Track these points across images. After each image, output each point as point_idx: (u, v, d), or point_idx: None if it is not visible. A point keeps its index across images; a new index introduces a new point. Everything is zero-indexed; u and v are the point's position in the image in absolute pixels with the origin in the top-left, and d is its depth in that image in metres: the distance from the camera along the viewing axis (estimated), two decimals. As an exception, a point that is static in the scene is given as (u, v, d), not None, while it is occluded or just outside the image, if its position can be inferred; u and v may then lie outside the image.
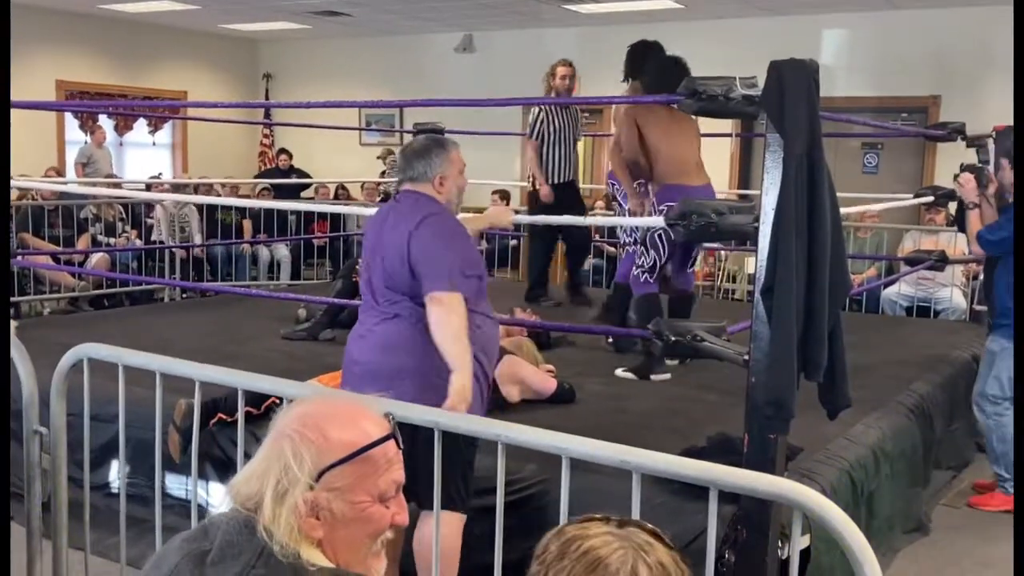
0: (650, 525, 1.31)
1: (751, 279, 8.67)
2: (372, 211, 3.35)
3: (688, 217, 2.82)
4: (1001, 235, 4.22)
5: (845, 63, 9.08)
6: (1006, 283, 4.20)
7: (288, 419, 1.44)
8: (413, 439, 1.93)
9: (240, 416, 2.51)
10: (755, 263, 2.69)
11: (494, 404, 3.81)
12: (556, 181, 6.11)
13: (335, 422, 1.44)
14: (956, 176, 4.75)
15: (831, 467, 3.19)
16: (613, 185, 5.37)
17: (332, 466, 1.39)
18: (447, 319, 2.66)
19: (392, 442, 1.46)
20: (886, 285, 7.49)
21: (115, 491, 3.60)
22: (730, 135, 8.11)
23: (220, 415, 3.49)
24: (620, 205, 5.25)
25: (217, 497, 3.45)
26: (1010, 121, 6.17)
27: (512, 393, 3.85)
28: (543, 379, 4.00)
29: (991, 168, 4.94)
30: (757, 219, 2.64)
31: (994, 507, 4.32)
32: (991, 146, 5.06)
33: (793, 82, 2.58)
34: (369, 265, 2.91)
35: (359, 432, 1.44)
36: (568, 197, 6.10)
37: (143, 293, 7.85)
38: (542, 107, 6.28)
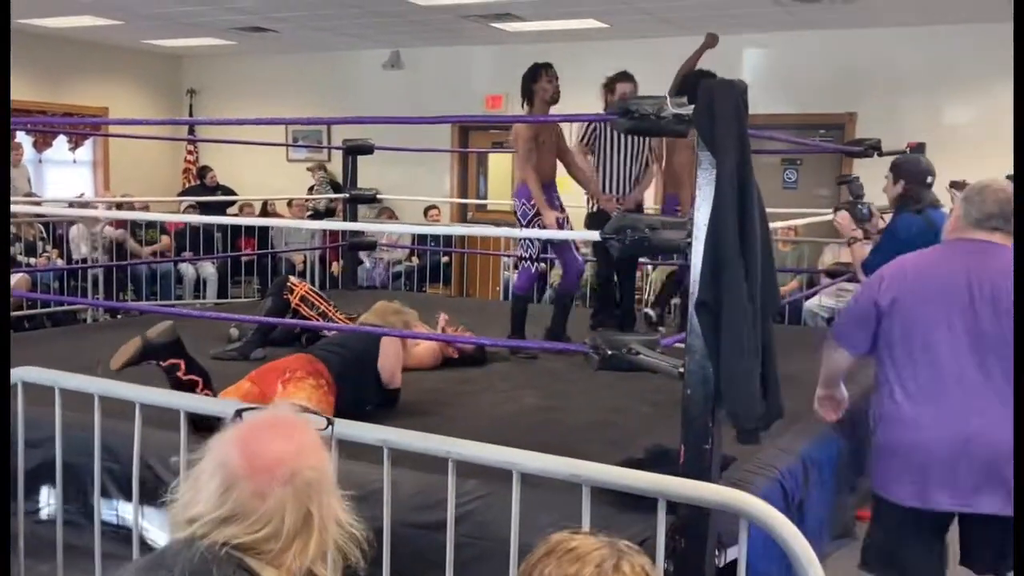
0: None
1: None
2: (308, 225, 3.38)
3: (622, 232, 2.89)
4: (877, 261, 4.16)
5: (764, 81, 9.32)
6: None
7: (279, 456, 1.48)
8: None
9: (183, 436, 2.48)
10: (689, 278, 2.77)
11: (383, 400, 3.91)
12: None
13: (300, 438, 1.53)
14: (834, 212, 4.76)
15: (763, 476, 3.27)
16: (525, 202, 5.25)
17: None
18: None
19: None
20: (807, 297, 7.70)
21: (45, 518, 3.51)
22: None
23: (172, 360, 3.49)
24: (520, 223, 5.30)
25: (152, 522, 3.40)
26: (923, 138, 6.45)
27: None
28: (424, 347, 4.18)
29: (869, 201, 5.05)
30: (690, 235, 2.72)
31: None
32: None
33: (723, 102, 2.66)
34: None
35: (312, 433, 1.56)
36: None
37: (65, 314, 7.67)
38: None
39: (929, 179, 4.27)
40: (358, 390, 3.83)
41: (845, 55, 9.23)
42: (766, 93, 9.36)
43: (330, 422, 1.61)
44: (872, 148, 5.94)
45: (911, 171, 4.28)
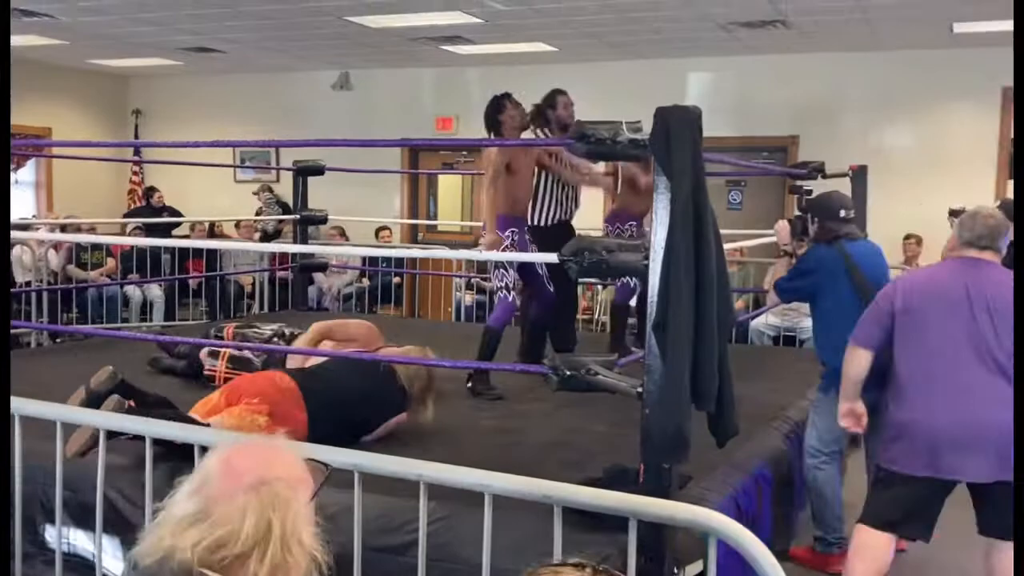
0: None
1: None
2: (258, 247, 3.37)
3: (580, 254, 2.94)
4: (792, 284, 4.35)
5: (709, 104, 9.42)
6: (820, 332, 4.30)
7: (254, 465, 1.50)
8: None
9: (148, 462, 2.46)
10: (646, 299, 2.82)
11: None
12: (546, 223, 5.39)
13: (292, 457, 1.57)
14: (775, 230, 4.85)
15: (718, 494, 3.33)
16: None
17: (315, 493, 1.55)
18: None
19: None
20: (753, 317, 7.83)
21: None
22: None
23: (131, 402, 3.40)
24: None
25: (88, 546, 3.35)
26: (863, 160, 6.62)
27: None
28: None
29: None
30: (647, 257, 2.77)
31: (802, 560, 4.22)
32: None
33: (678, 127, 2.74)
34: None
35: (308, 470, 1.58)
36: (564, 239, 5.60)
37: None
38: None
39: (842, 213, 4.32)
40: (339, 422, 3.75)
41: (788, 80, 9.45)
42: (711, 116, 9.37)
43: (327, 467, 1.62)
44: (816, 171, 6.10)
45: (821, 209, 4.37)
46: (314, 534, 1.52)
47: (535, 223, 5.36)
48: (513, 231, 5.06)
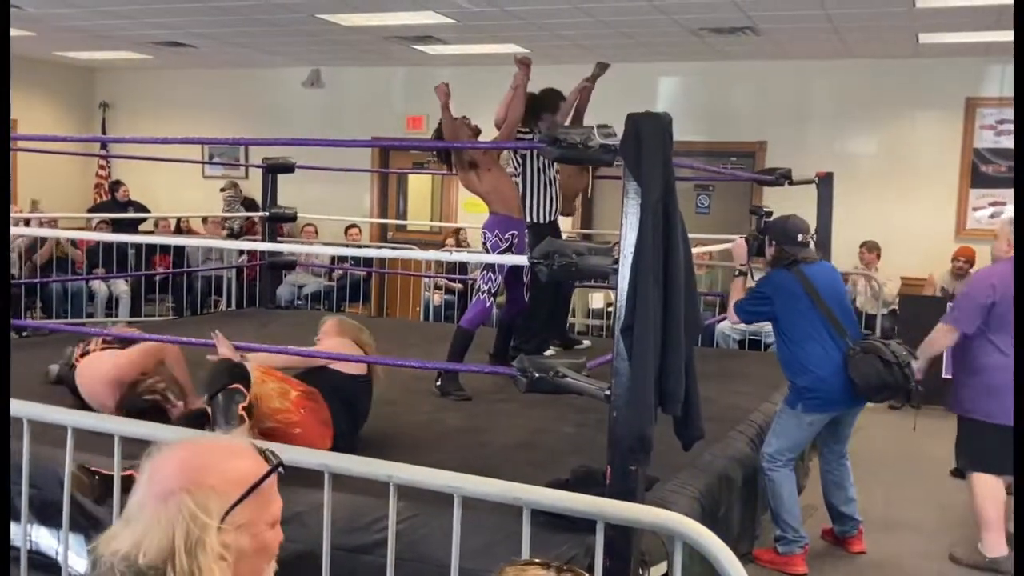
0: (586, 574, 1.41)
1: (591, 314, 9.08)
2: (221, 244, 3.32)
3: (551, 257, 2.97)
4: (754, 308, 4.45)
5: (679, 109, 9.56)
6: (784, 352, 4.40)
7: (170, 473, 1.44)
8: None
9: (116, 459, 2.45)
10: (602, 299, 2.85)
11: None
12: (540, 220, 5.37)
13: (220, 462, 1.47)
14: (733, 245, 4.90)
15: (683, 496, 3.37)
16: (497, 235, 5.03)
17: (236, 504, 1.42)
18: None
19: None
20: (719, 320, 7.90)
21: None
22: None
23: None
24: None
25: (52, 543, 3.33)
26: (829, 167, 6.72)
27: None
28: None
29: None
30: (616, 261, 2.80)
31: (765, 562, 4.37)
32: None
33: (649, 133, 2.77)
34: None
35: (246, 467, 1.48)
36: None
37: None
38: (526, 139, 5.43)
39: (800, 237, 4.44)
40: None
41: (757, 86, 9.55)
42: (680, 121, 9.41)
43: (280, 465, 1.51)
44: (783, 177, 6.19)
45: (779, 233, 4.48)
46: (230, 549, 1.42)
47: (535, 220, 5.31)
48: (513, 234, 4.98)
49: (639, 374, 2.68)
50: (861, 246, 8.66)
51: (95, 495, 3.18)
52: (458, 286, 9.11)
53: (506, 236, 4.95)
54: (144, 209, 10.33)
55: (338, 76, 11.12)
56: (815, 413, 4.31)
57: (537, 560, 1.40)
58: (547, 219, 5.37)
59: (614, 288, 2.82)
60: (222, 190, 10.57)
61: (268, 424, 3.40)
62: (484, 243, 5.06)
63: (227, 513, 1.41)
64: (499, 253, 4.90)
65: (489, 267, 4.97)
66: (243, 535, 1.43)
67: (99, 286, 8.70)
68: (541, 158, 5.27)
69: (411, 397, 4.67)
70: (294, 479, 2.61)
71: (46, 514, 3.27)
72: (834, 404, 4.34)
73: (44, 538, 3.43)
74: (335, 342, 3.89)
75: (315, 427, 3.54)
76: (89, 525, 3.15)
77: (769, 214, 5.51)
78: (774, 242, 4.49)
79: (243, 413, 3.25)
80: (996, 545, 4.48)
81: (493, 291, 4.97)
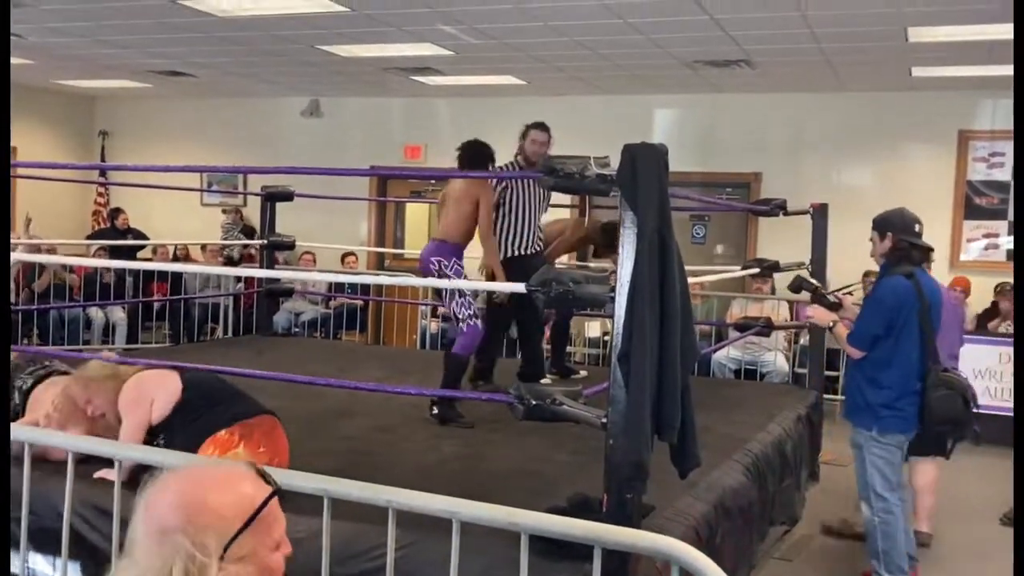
0: None
1: (588, 342, 9.10)
2: (218, 271, 3.31)
3: (548, 285, 2.99)
4: (870, 321, 4.27)
5: (675, 140, 9.65)
6: (864, 376, 4.28)
7: (165, 510, 1.42)
8: None
9: (116, 486, 2.45)
10: (599, 328, 2.88)
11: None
12: (522, 252, 5.44)
13: (218, 495, 1.44)
14: (808, 318, 5.01)
15: (679, 524, 3.37)
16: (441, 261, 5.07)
17: (234, 538, 1.41)
18: None
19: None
20: (716, 350, 7.93)
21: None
22: (573, 206, 8.45)
23: None
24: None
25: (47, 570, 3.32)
26: (824, 198, 6.77)
27: None
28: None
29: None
30: (613, 289, 2.83)
31: None
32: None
33: (645, 164, 2.80)
34: None
35: (244, 496, 1.45)
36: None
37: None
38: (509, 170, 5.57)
39: (916, 227, 4.32)
40: None
41: (752, 118, 9.64)
42: (676, 151, 9.57)
43: (278, 491, 1.49)
44: (779, 208, 6.23)
45: (898, 224, 4.35)
46: None
47: (517, 253, 5.41)
48: (448, 256, 5.05)
49: (636, 402, 2.70)
50: (865, 275, 8.72)
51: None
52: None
53: (450, 260, 5.02)
54: (143, 237, 10.37)
55: (337, 106, 11.21)
56: (894, 433, 4.21)
57: None
58: (526, 251, 5.47)
59: (611, 316, 2.85)
60: (224, 211, 10.62)
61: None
62: (431, 271, 5.05)
63: (226, 548, 1.40)
64: (456, 275, 5.01)
65: (461, 293, 4.96)
66: (246, 565, 1.42)
67: (96, 313, 8.71)
68: (526, 191, 5.37)
69: (408, 424, 4.68)
70: (289, 506, 2.63)
71: (43, 541, 3.27)
72: (909, 426, 4.19)
73: (40, 565, 3.43)
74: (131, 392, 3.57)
75: (263, 456, 3.38)
76: (86, 554, 3.16)
77: (805, 280, 5.39)
78: (889, 233, 4.32)
79: None
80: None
81: (476, 314, 5.00)
